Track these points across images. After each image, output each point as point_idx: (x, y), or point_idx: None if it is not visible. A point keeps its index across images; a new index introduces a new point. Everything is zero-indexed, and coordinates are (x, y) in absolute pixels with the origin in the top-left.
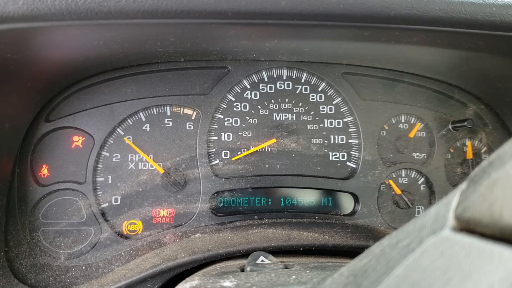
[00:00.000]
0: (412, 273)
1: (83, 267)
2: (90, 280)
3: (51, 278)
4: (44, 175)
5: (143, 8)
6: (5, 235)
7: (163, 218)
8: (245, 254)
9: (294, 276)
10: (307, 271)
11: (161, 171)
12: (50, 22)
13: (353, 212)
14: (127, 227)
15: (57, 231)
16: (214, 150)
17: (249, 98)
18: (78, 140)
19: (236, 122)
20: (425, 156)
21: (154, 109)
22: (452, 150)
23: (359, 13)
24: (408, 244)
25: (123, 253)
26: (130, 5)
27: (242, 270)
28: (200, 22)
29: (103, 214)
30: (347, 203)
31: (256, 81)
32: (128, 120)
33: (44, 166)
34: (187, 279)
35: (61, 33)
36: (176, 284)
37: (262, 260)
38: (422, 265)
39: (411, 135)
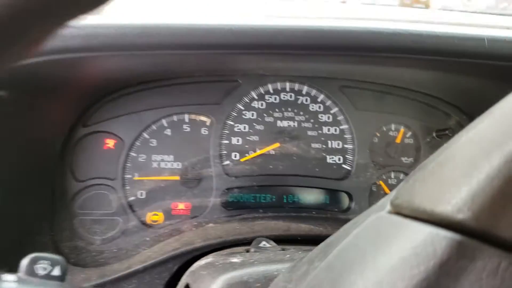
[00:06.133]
0: (356, 240)
1: (115, 250)
2: (121, 260)
3: (88, 257)
4: (81, 172)
5: (174, 42)
6: (51, 223)
7: (181, 210)
8: (250, 241)
9: (288, 255)
10: (300, 252)
11: (177, 178)
12: (98, 53)
13: (347, 209)
14: (151, 217)
15: (92, 220)
16: (225, 152)
17: (256, 107)
18: (110, 143)
19: (245, 128)
20: (412, 160)
21: (175, 116)
22: None
23: (347, 44)
24: (357, 221)
25: (148, 239)
26: (167, 40)
27: (247, 251)
28: (220, 52)
29: (130, 206)
30: (342, 201)
31: (263, 92)
32: (153, 126)
33: (81, 164)
34: (202, 258)
35: (103, 60)
36: (192, 265)
37: (264, 244)
38: (362, 235)
39: (398, 140)
